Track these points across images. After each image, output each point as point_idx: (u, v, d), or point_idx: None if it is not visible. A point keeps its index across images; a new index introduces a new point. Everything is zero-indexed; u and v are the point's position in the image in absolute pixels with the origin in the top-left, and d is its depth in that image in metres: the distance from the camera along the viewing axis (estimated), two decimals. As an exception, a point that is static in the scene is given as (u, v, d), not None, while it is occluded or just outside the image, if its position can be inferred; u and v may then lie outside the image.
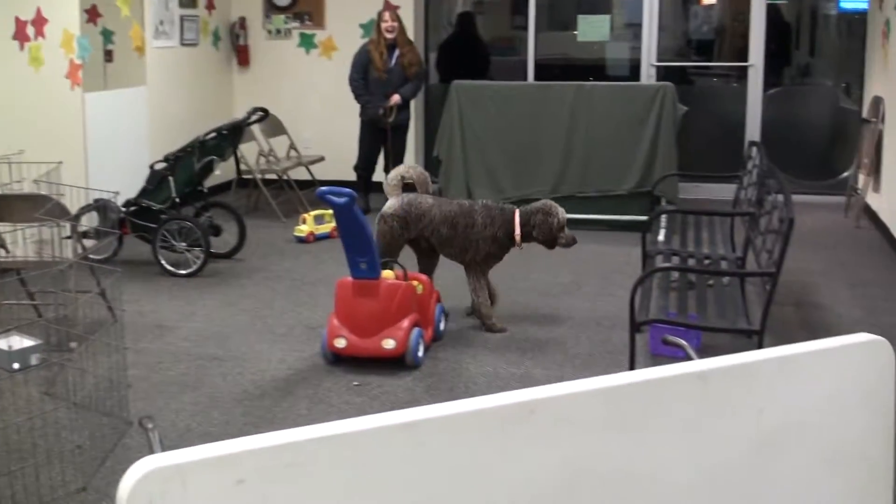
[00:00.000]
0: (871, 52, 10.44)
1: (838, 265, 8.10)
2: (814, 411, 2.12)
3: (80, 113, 8.60)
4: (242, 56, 11.72)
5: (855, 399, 2.16)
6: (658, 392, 1.98)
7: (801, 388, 2.10)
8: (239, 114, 9.90)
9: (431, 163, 10.15)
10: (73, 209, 6.74)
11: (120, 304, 5.23)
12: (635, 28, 11.33)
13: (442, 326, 6.33)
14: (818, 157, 11.24)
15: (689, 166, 9.74)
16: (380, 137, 10.16)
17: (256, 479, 1.61)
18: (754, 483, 2.08)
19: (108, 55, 9.10)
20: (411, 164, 7.01)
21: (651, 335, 5.94)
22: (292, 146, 10.73)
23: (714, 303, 5.87)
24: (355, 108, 10.22)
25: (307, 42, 11.61)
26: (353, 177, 10.27)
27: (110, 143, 8.98)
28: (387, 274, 5.94)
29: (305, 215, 9.20)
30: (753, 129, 10.95)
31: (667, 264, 6.30)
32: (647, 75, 11.13)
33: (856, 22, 11.10)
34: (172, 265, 7.85)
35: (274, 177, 10.38)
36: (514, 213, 6.42)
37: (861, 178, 9.90)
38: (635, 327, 5.33)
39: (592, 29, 11.46)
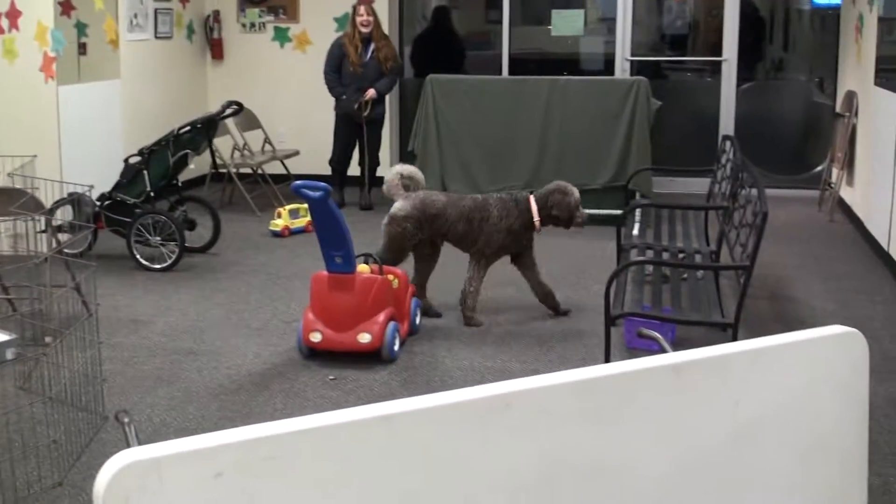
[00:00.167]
0: (844, 47, 10.49)
1: (812, 258, 8.14)
2: (788, 403, 2.14)
3: (54, 106, 8.54)
4: (216, 50, 11.67)
5: (829, 390, 2.18)
6: (633, 385, 1.99)
7: (776, 380, 2.12)
8: (213, 107, 9.87)
9: (406, 157, 10.14)
10: (48, 203, 6.71)
11: (95, 298, 5.20)
12: (609, 22, 11.34)
13: (418, 320, 6.34)
14: (792, 152, 11.29)
15: (664, 160, 9.76)
16: (355, 132, 10.14)
17: (234, 472, 1.61)
18: (729, 474, 2.09)
19: (82, 48, 9.05)
20: (406, 164, 6.93)
21: (626, 328, 5.97)
22: (267, 140, 10.71)
23: (688, 296, 5.89)
24: (330, 102, 10.21)
25: (281, 36, 11.57)
26: (328, 171, 10.25)
27: (84, 137, 8.94)
28: (362, 268, 5.94)
29: (280, 209, 9.18)
30: (727, 123, 10.99)
31: (641, 258, 6.32)
32: (622, 70, 11.14)
33: (829, 17, 11.15)
34: (147, 259, 7.83)
35: (249, 171, 10.35)
36: (528, 201, 6.40)
37: (834, 172, 9.95)
38: (610, 321, 5.36)
39: (566, 23, 11.48)
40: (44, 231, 6.32)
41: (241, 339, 6.23)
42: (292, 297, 7.07)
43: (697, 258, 6.61)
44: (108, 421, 4.91)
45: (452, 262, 6.75)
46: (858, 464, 2.23)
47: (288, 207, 9.16)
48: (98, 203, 7.88)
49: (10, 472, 4.28)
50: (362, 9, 9.97)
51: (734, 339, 5.13)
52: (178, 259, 7.78)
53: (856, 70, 9.60)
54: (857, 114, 9.38)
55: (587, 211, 6.63)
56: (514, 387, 1.87)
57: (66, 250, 5.79)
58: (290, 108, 11.49)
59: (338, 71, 10.04)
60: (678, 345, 5.75)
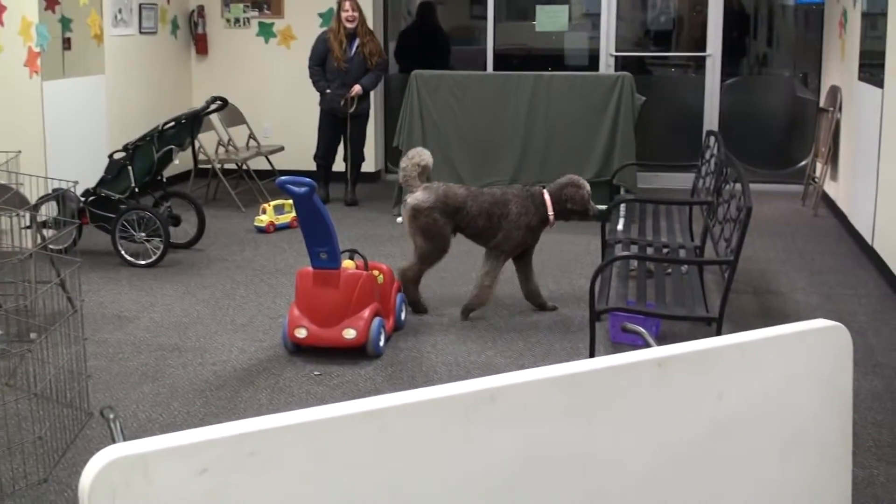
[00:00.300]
0: (828, 43, 10.53)
1: (796, 253, 8.17)
2: (772, 397, 2.15)
3: (39, 101, 8.52)
4: (201, 45, 11.65)
5: (813, 384, 2.19)
6: (617, 379, 1.99)
7: (760, 373, 2.13)
8: (198, 103, 9.85)
9: (391, 152, 10.14)
10: (32, 199, 6.69)
11: (79, 294, 5.19)
12: (594, 18, 11.35)
13: (403, 316, 6.34)
14: (776, 147, 11.32)
15: (648, 156, 9.78)
16: (339, 127, 10.13)
17: (219, 468, 1.61)
18: (713, 467, 2.10)
19: (67, 43, 9.02)
20: (421, 148, 6.87)
21: (611, 323, 5.98)
22: (252, 136, 10.69)
23: (673, 291, 5.91)
24: (315, 97, 10.20)
25: (266, 31, 11.55)
26: (313, 167, 10.24)
27: (69, 132, 8.91)
28: (347, 264, 5.94)
29: (265, 205, 9.17)
30: (711, 118, 11.01)
31: (626, 253, 6.34)
32: (606, 65, 11.16)
33: (813, 12, 11.18)
34: (132, 255, 7.81)
35: (233, 166, 10.34)
36: (543, 195, 6.41)
37: (818, 166, 9.98)
38: (595, 315, 5.36)
39: (551, 19, 11.48)
40: (28, 227, 6.29)
41: (226, 335, 6.22)
42: (277, 293, 7.06)
43: (682, 253, 6.62)
44: (93, 417, 4.90)
45: (447, 258, 6.70)
46: (842, 456, 2.24)
47: (273, 203, 9.15)
48: (83, 199, 7.86)
49: (-5, 469, 4.27)
50: (347, 4, 9.94)
51: (718, 333, 5.15)
52: (163, 255, 7.77)
53: (839, 65, 9.63)
54: (840, 109, 9.41)
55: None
56: (499, 381, 1.88)
57: (50, 246, 5.78)
58: (274, 103, 11.48)
59: (322, 65, 10.03)
60: (662, 339, 5.77)
